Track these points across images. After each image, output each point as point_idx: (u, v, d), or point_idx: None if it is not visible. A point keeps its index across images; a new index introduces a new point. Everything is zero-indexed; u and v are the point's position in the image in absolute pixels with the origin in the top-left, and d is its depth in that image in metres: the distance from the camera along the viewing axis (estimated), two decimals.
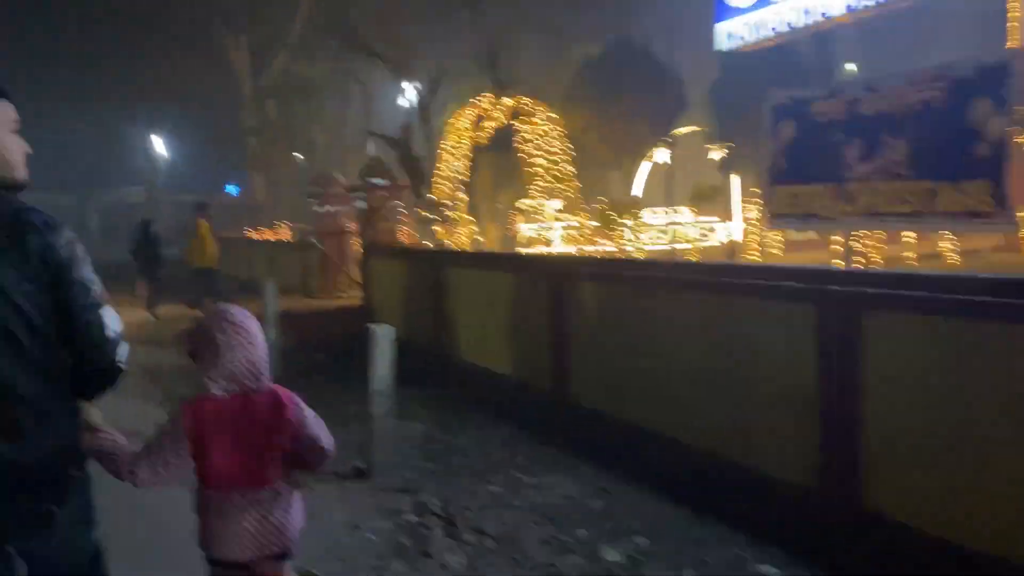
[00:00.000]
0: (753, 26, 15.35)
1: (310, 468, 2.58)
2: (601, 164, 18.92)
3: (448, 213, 16.98)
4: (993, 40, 13.24)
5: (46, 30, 38.04)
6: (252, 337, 2.45)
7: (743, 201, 18.19)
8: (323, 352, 10.12)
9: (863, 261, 12.85)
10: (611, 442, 5.76)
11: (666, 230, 21.27)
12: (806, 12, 14.55)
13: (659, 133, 17.14)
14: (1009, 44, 12.50)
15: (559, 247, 19.59)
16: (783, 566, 3.94)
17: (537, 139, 19.48)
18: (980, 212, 5.97)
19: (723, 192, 20.24)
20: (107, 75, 38.10)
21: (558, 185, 19.56)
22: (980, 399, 3.58)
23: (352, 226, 17.02)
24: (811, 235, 21.64)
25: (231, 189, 42.23)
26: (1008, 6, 13.00)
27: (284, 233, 27.21)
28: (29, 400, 2.00)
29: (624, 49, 17.47)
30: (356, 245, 15.96)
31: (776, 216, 7.79)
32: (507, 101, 18.17)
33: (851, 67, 18.54)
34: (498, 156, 18.56)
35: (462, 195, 19.03)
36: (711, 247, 20.97)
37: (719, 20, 16.37)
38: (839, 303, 4.19)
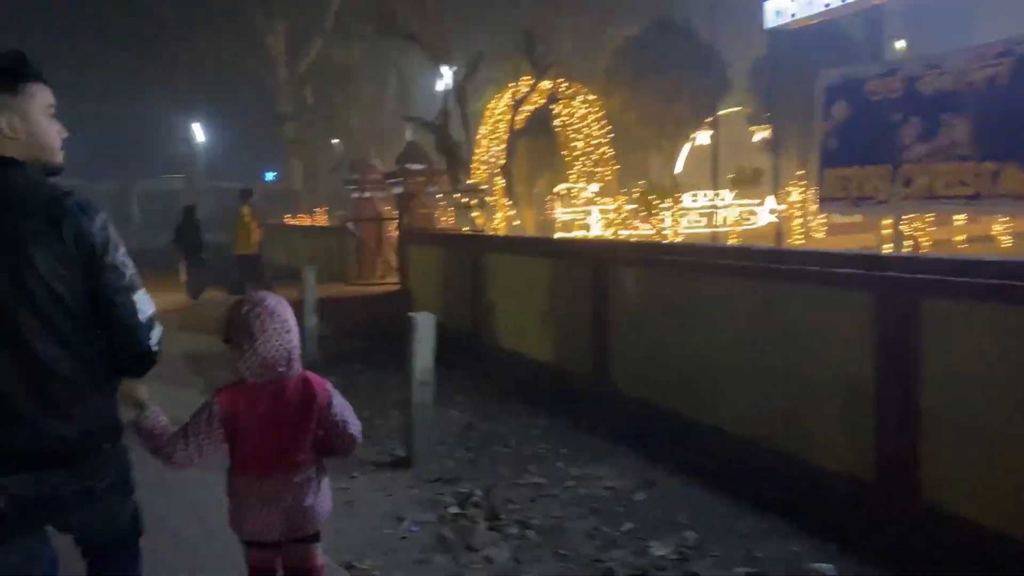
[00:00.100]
0: (802, 2, 14.91)
1: (338, 454, 2.62)
2: (641, 147, 18.64)
3: (486, 198, 16.86)
4: None
5: (89, 19, 38.59)
6: (286, 324, 2.49)
7: (788, 184, 17.82)
8: (361, 339, 10.10)
9: (911, 245, 12.52)
10: (654, 431, 5.64)
11: (706, 214, 21.01)
12: None
13: (700, 115, 16.81)
14: None
15: (597, 231, 19.43)
16: (839, 562, 3.79)
17: (576, 122, 19.28)
18: None
19: (765, 175, 19.88)
20: (148, 64, 38.57)
21: (597, 168, 19.35)
22: None
23: (389, 212, 17.00)
24: (855, 219, 21.18)
25: (269, 176, 42.54)
26: None
27: (321, 219, 27.37)
28: (68, 380, 2.05)
29: (665, 29, 17.13)
30: (393, 231, 15.93)
31: (826, 199, 7.54)
32: (545, 84, 17.97)
33: (900, 45, 18.02)
34: (536, 140, 18.38)
35: (500, 180, 18.91)
36: (752, 231, 20.67)
37: None
38: (898, 290, 4.02)
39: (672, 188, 17.94)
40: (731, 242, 16.85)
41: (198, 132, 47.49)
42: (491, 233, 16.04)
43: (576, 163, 19.48)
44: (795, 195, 18.65)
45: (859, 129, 6.92)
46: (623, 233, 19.07)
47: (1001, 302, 3.59)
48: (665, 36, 16.32)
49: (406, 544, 3.96)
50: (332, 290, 13.94)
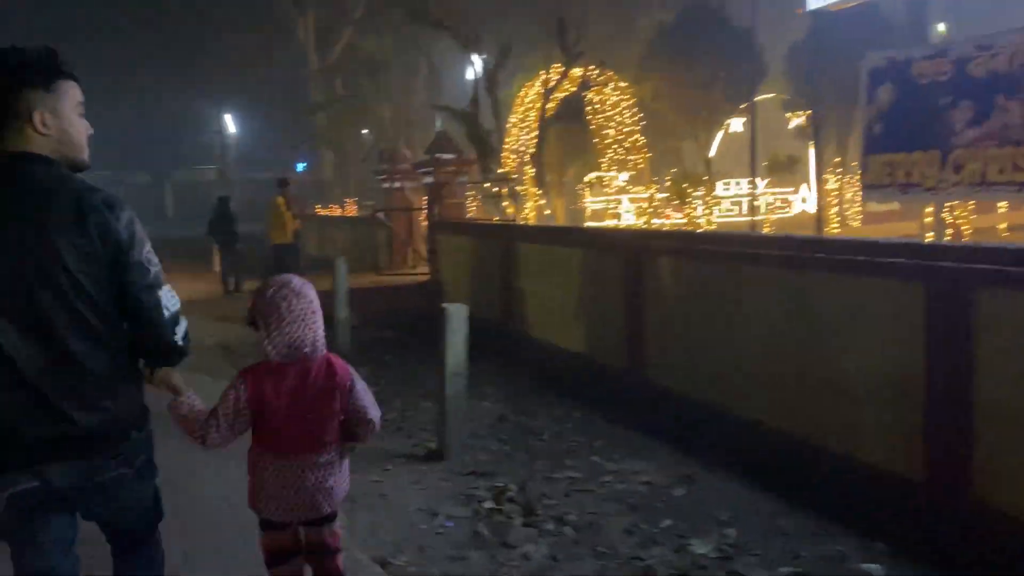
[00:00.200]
0: None
1: (358, 439, 2.68)
2: (673, 134, 18.39)
3: (516, 187, 16.75)
4: None
5: (122, 14, 39.00)
6: (312, 304, 2.56)
7: (825, 172, 17.47)
8: (392, 329, 10.08)
9: (951, 232, 12.20)
10: (690, 424, 5.51)
11: (738, 202, 20.71)
12: None
13: (735, 101, 16.52)
14: None
15: (628, 220, 19.24)
16: (887, 562, 3.66)
17: (608, 110, 19.07)
18: None
19: (800, 162, 19.53)
20: (181, 57, 38.93)
21: (629, 156, 19.14)
22: None
23: (420, 201, 16.96)
24: (893, 206, 20.80)
25: (300, 167, 42.80)
26: None
27: (352, 210, 27.44)
28: (97, 372, 2.10)
29: (699, 14, 16.85)
30: (424, 221, 15.89)
31: (870, 186, 7.30)
32: (576, 72, 17.78)
33: (941, 28, 17.59)
34: (567, 128, 18.20)
35: (530, 169, 18.78)
36: (786, 219, 20.36)
37: None
38: (950, 281, 3.85)
39: (706, 175, 17.67)
40: (766, 231, 16.58)
41: (230, 124, 47.86)
42: (521, 223, 15.94)
43: (608, 151, 19.27)
44: (831, 183, 18.32)
45: (906, 113, 6.68)
46: (655, 222, 18.88)
47: None
48: (699, 22, 16.02)
49: (441, 540, 3.89)
50: (363, 280, 13.95)
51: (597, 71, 17.75)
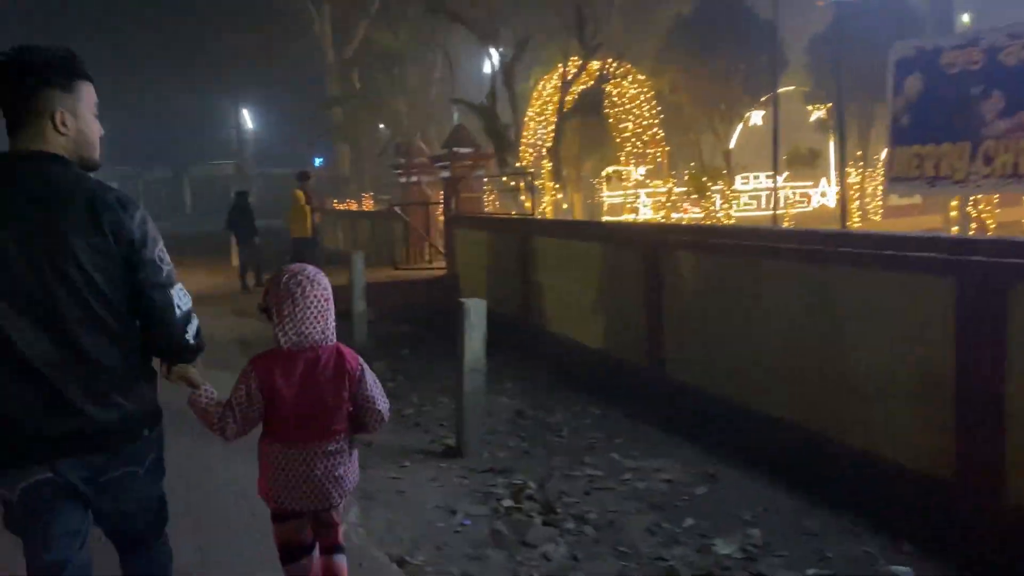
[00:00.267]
0: None
1: (366, 430, 2.70)
2: (692, 128, 18.21)
3: (534, 181, 16.66)
4: None
5: (140, 10, 39.20)
6: (326, 292, 2.59)
7: (846, 165, 17.23)
8: (409, 323, 10.04)
9: (974, 227, 12.00)
10: (712, 421, 5.43)
11: (758, 196, 20.51)
12: None
13: (754, 93, 16.32)
14: None
15: (646, 214, 19.11)
16: (917, 565, 3.57)
17: (626, 103, 18.93)
18: None
19: (821, 155, 19.31)
20: (199, 52, 39.08)
21: (647, 150, 18.99)
22: None
23: (436, 196, 16.92)
24: (914, 200, 20.54)
25: (317, 161, 42.86)
26: None
27: (369, 204, 27.44)
28: (111, 369, 2.12)
29: (717, 5, 16.64)
30: (440, 215, 15.84)
31: (897, 179, 7.14)
32: (595, 64, 17.64)
33: (965, 19, 17.32)
34: (584, 122, 18.06)
35: (547, 162, 18.68)
36: (805, 213, 20.15)
37: None
38: (982, 275, 3.74)
39: (725, 168, 17.49)
40: (785, 226, 16.39)
41: (247, 119, 48.02)
42: (539, 217, 15.85)
43: (626, 144, 19.13)
44: (852, 176, 18.09)
45: (935, 104, 6.51)
46: (675, 216, 18.73)
47: None
48: (718, 13, 15.83)
49: (459, 538, 3.83)
50: (380, 275, 13.91)
51: (615, 64, 17.59)
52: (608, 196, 20.52)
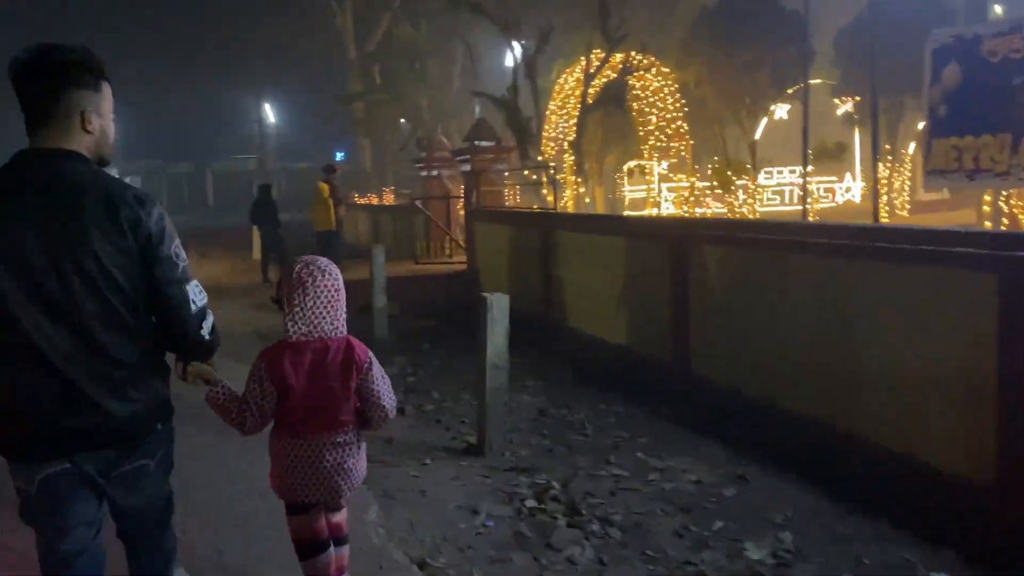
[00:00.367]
0: None
1: (369, 425, 2.70)
2: (717, 121, 17.95)
3: (556, 175, 16.53)
4: None
5: (162, 6, 39.44)
6: (337, 282, 2.60)
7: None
8: (429, 318, 9.97)
9: (1006, 222, 11.72)
10: (740, 420, 5.29)
11: (781, 191, 20.23)
12: None
13: (780, 86, 16.04)
14: None
15: (668, 209, 18.91)
16: (958, 573, 3.43)
17: (650, 96, 18.71)
18: None
19: (848, 150, 19.00)
20: (221, 47, 39.26)
21: (671, 144, 18.77)
22: None
23: (457, 189, 16.82)
24: (943, 195, 20.19)
25: (338, 156, 42.94)
26: None
27: (390, 199, 27.43)
28: (127, 364, 2.16)
29: None
30: (461, 209, 15.74)
31: (934, 172, 6.91)
32: (618, 57, 17.44)
33: (997, 9, 16.94)
34: (607, 115, 17.87)
35: (568, 156, 18.52)
36: (830, 208, 19.86)
37: None
38: None
39: (750, 162, 17.24)
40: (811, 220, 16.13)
41: (269, 113, 48.19)
42: (561, 211, 15.71)
43: (650, 138, 18.93)
44: (881, 171, 17.79)
45: (974, 94, 6.29)
46: (698, 211, 18.52)
47: None
48: (743, 3, 15.55)
49: (482, 540, 3.72)
50: (400, 269, 13.85)
51: (640, 56, 17.37)
52: (629, 190, 20.33)
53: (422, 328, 9.41)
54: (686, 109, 18.53)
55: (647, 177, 19.27)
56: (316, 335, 2.56)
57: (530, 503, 4.09)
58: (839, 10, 16.71)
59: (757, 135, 17.16)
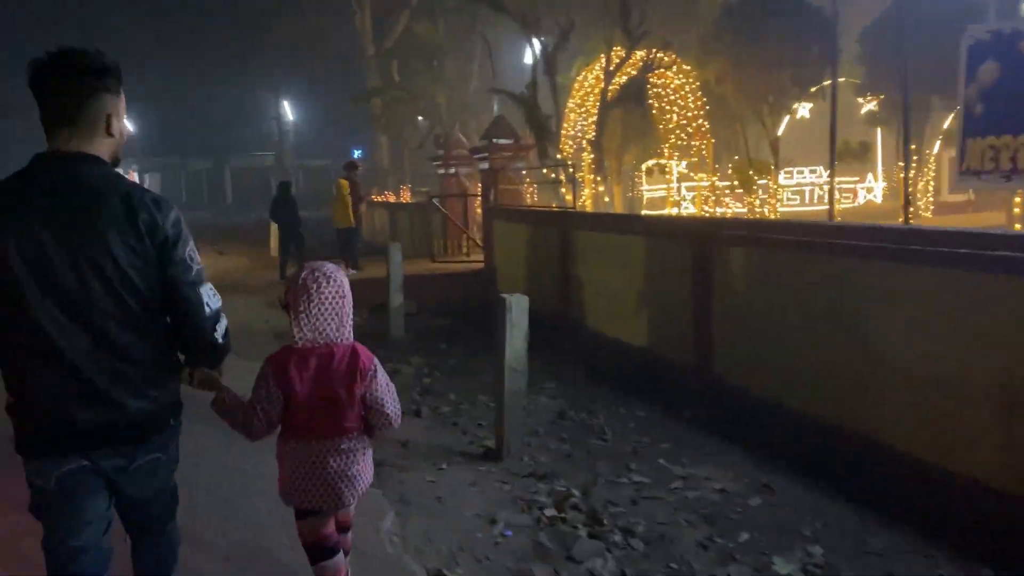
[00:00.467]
0: None
1: (373, 432, 2.71)
2: (738, 119, 17.71)
3: (575, 173, 16.38)
4: None
5: (182, 4, 39.63)
6: (342, 289, 2.61)
7: (900, 159, 16.66)
8: (446, 317, 9.87)
9: None
10: (765, 427, 5.14)
11: (801, 191, 19.97)
12: None
13: (803, 85, 15.80)
14: None
15: (688, 208, 18.71)
16: None
17: (670, 94, 18.51)
18: None
19: (871, 150, 18.72)
20: (240, 44, 39.40)
21: (692, 142, 18.56)
22: None
23: (475, 187, 16.72)
24: (968, 196, 19.87)
25: (356, 153, 42.96)
26: None
27: (407, 196, 27.36)
28: (141, 363, 2.20)
29: None
30: (479, 207, 15.64)
31: (968, 173, 6.71)
32: (639, 54, 17.25)
33: None
34: (627, 113, 17.68)
35: (587, 154, 18.35)
36: (852, 209, 19.58)
37: None
38: None
39: (772, 162, 17.00)
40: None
41: (287, 111, 48.25)
42: (580, 210, 15.56)
43: (670, 136, 18.72)
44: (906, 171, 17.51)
45: (1012, 92, 6.09)
46: (718, 211, 18.31)
47: None
48: (766, 0, 15.31)
49: (500, 550, 3.60)
50: (417, 267, 13.77)
51: (661, 53, 17.16)
52: (647, 189, 20.14)
53: (439, 327, 9.31)
54: (707, 107, 18.31)
55: (667, 176, 19.07)
56: (321, 341, 2.58)
57: (550, 512, 3.96)
58: (862, 8, 16.44)
59: (780, 131, 16.92)
